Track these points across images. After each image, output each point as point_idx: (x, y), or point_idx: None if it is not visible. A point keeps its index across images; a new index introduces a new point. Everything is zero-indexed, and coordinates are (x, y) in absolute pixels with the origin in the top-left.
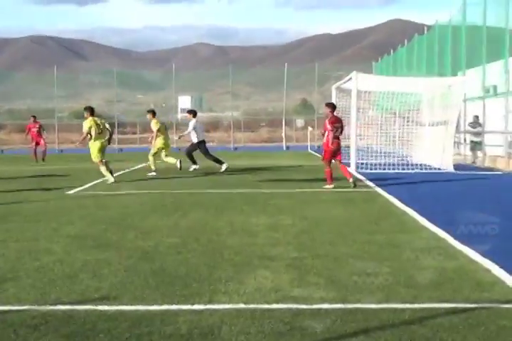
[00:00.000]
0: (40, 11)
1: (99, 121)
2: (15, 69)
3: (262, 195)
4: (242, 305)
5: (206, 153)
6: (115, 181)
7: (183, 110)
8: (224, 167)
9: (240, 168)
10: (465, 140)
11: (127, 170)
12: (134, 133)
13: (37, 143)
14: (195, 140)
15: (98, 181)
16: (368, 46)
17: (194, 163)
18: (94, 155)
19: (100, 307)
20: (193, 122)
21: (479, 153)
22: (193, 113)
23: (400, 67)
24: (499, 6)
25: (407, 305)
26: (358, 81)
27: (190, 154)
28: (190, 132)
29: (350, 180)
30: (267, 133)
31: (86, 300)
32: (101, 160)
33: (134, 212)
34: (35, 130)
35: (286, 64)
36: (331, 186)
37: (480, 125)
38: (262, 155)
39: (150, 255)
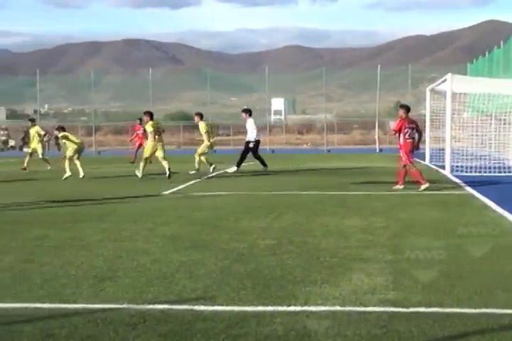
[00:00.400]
0: (135, 14)
1: (157, 125)
2: (109, 71)
3: (354, 197)
4: (338, 308)
5: (255, 152)
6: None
7: (275, 112)
8: (233, 169)
9: (332, 170)
10: None
11: (221, 171)
12: (228, 135)
13: (140, 145)
14: (252, 138)
15: (192, 182)
16: (461, 48)
17: (264, 164)
18: (146, 153)
19: (196, 308)
20: (251, 121)
21: None
22: (249, 112)
23: (496, 69)
24: None
25: (507, 311)
26: (454, 83)
27: (257, 156)
28: (252, 131)
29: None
30: (360, 135)
31: (182, 300)
32: (146, 158)
33: (227, 213)
34: (140, 132)
35: (379, 65)
36: (427, 185)
37: None
38: (355, 157)
39: (245, 256)
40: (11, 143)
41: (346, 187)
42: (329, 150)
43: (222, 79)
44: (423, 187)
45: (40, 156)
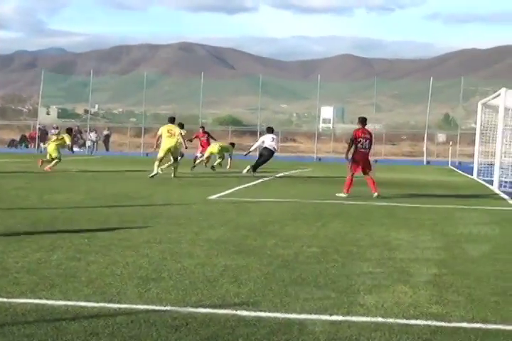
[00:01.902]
0: (190, 18)
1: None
2: (163, 74)
3: (401, 209)
4: (380, 319)
5: (264, 162)
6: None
7: (324, 120)
8: (246, 170)
9: (379, 181)
10: None
11: (271, 178)
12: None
13: (202, 152)
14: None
15: (239, 187)
16: None
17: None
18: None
19: (239, 313)
20: (268, 137)
21: None
22: (271, 130)
23: None
24: None
25: None
26: (507, 97)
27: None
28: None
29: (375, 194)
30: (408, 146)
31: (226, 304)
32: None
33: (274, 219)
34: (204, 139)
35: (431, 77)
36: (344, 195)
37: None
38: (402, 168)
39: (290, 263)
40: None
41: (394, 198)
42: (376, 161)
43: (274, 86)
44: (341, 195)
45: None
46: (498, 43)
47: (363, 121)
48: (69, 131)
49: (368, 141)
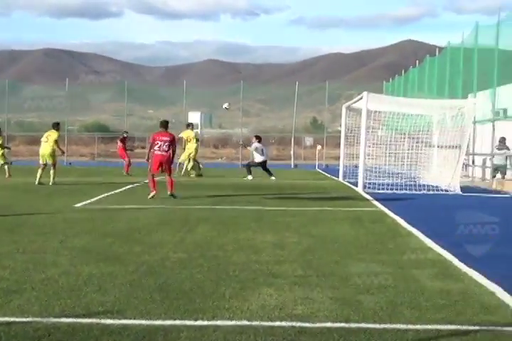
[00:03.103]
0: (54, 24)
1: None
2: (27, 81)
3: (268, 212)
4: (245, 322)
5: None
6: None
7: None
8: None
9: (247, 185)
10: (473, 162)
11: (136, 185)
12: (143, 147)
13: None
14: (258, 160)
15: (106, 194)
16: (379, 66)
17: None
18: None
19: (104, 321)
20: (255, 145)
21: (499, 176)
22: (258, 138)
23: (411, 88)
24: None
25: (410, 326)
26: (369, 101)
27: (249, 167)
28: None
29: (168, 192)
30: (276, 150)
31: (90, 313)
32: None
33: (140, 226)
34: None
35: (297, 82)
36: (152, 194)
37: (508, 148)
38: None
39: (155, 270)
40: None
41: (262, 202)
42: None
43: (140, 91)
44: (152, 194)
45: None
46: (362, 47)
47: (163, 124)
48: None
49: (167, 144)
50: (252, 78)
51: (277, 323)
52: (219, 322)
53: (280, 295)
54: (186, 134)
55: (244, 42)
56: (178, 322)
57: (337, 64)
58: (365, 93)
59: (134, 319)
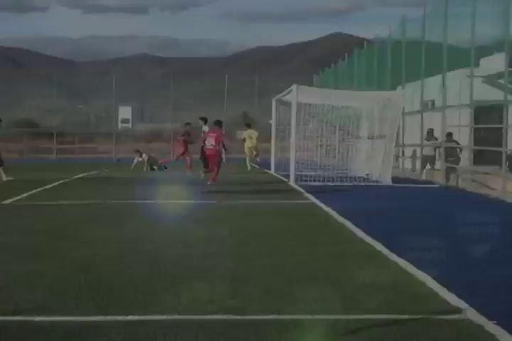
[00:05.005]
0: None
1: None
2: None
3: (200, 206)
4: (176, 316)
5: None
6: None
7: (123, 120)
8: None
9: (179, 179)
10: (403, 153)
11: (62, 181)
12: (72, 143)
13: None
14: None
15: (37, 190)
16: (310, 59)
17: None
18: None
19: (33, 319)
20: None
21: (428, 167)
22: (204, 120)
23: (341, 81)
24: (438, 22)
25: (341, 316)
26: (299, 93)
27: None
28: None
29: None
30: None
31: (19, 311)
32: None
33: (71, 222)
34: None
35: (226, 76)
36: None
37: (436, 138)
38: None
39: (86, 266)
40: None
41: (193, 195)
42: (176, 159)
43: (69, 86)
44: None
45: None
46: (291, 40)
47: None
48: None
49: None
50: (182, 72)
51: (209, 317)
52: (150, 317)
53: (211, 289)
54: None
55: (174, 36)
56: (109, 317)
57: (267, 57)
58: (294, 85)
59: (65, 316)
